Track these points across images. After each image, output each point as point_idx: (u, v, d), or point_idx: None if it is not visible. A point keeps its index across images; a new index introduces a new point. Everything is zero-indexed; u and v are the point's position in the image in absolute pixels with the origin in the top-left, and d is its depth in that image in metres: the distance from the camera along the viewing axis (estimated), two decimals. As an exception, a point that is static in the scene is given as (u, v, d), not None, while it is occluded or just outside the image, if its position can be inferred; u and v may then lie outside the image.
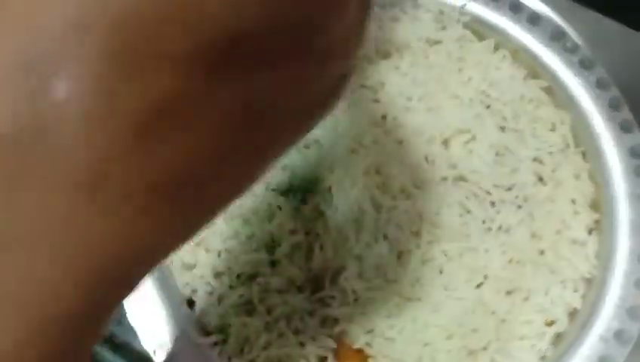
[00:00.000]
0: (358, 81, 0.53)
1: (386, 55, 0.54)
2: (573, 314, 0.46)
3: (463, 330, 0.45)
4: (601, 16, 0.57)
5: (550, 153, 0.51)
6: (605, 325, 0.44)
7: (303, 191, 0.50)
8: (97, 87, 0.16)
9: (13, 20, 0.16)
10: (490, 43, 0.55)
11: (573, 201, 0.50)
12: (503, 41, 0.55)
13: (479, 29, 0.55)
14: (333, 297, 0.47)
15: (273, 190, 0.50)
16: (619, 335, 0.44)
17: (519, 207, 0.49)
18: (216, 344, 0.46)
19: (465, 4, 0.55)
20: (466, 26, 0.55)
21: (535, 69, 0.54)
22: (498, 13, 0.54)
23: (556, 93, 0.53)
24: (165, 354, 0.45)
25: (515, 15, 0.54)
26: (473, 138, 0.51)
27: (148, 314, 0.45)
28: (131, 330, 0.55)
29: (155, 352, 0.44)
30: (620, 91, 0.52)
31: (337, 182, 0.50)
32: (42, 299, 0.17)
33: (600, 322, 0.44)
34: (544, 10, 0.54)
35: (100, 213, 0.17)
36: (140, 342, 0.53)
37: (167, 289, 0.47)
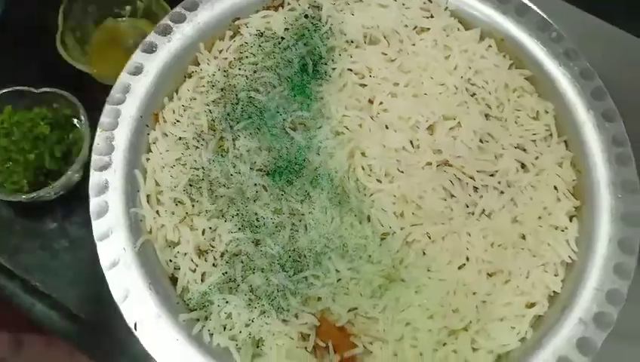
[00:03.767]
0: (345, 66, 0.53)
1: (374, 41, 0.55)
2: (553, 297, 0.47)
3: (445, 311, 0.46)
4: (582, 11, 0.58)
5: (533, 141, 0.52)
6: (584, 309, 0.45)
7: (289, 173, 0.50)
8: None
9: None
10: (476, 32, 0.55)
11: (555, 188, 0.50)
12: (489, 31, 0.55)
13: (466, 17, 0.56)
14: (316, 276, 0.47)
15: (259, 170, 0.50)
16: (598, 318, 0.44)
17: (502, 192, 0.50)
18: (198, 320, 0.46)
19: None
20: (453, 14, 0.56)
21: (520, 59, 0.55)
22: (485, 2, 0.55)
23: (540, 82, 0.54)
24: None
25: (502, 5, 0.55)
26: (458, 125, 0.52)
27: (130, 289, 0.45)
28: (108, 314, 0.55)
29: (135, 326, 0.44)
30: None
31: (323, 164, 0.50)
32: None
33: (579, 305, 0.45)
34: (529, 3, 0.55)
35: None
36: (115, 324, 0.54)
37: (149, 265, 0.47)
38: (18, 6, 0.70)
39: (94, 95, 0.56)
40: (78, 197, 0.59)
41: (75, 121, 0.61)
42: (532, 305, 0.46)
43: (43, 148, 0.59)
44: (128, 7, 0.67)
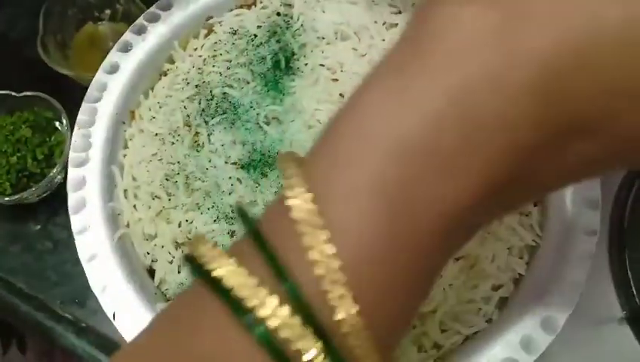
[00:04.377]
0: (317, 61, 0.55)
1: (345, 37, 0.57)
2: (518, 279, 0.48)
3: (414, 295, 0.47)
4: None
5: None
6: (548, 290, 0.46)
7: (263, 166, 0.51)
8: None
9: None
10: (443, 27, 0.57)
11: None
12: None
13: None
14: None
15: (234, 163, 0.51)
16: (560, 300, 0.45)
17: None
18: (175, 310, 0.47)
19: (420, -8, 0.57)
20: (420, 10, 0.57)
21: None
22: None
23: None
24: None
25: None
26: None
27: (109, 281, 0.46)
28: (94, 313, 0.56)
29: (114, 316, 0.45)
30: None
31: (296, 156, 0.51)
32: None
33: (542, 287, 0.46)
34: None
35: None
36: (104, 325, 0.55)
37: (127, 257, 0.48)
38: (-1, 11, 0.72)
39: (75, 98, 0.57)
40: (60, 199, 0.60)
41: (57, 123, 0.62)
42: (498, 288, 0.47)
43: (25, 151, 0.60)
44: (108, 11, 0.68)
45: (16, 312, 0.59)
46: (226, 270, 0.20)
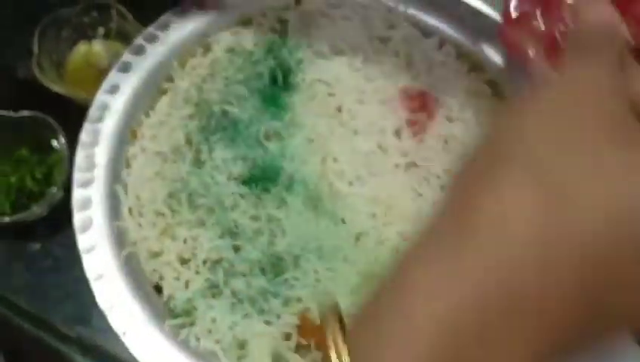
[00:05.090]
0: (314, 77, 0.56)
1: (340, 52, 0.58)
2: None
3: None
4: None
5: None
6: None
7: (265, 181, 0.52)
8: None
9: None
10: (435, 40, 0.58)
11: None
12: (447, 38, 0.59)
13: (425, 27, 0.59)
14: (296, 278, 0.49)
15: (236, 179, 0.52)
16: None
17: (467, 189, 0.53)
18: (184, 326, 0.48)
19: (407, 8, 0.59)
20: (412, 24, 0.59)
21: (479, 63, 0.58)
22: (441, 12, 0.58)
23: (499, 85, 0.57)
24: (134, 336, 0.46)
25: (457, 13, 0.58)
26: (422, 128, 0.55)
27: (117, 299, 0.47)
28: (100, 332, 0.57)
29: (124, 333, 0.46)
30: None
31: (297, 170, 0.52)
32: None
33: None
34: (482, 8, 0.58)
35: None
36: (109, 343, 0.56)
37: (134, 275, 0.49)
38: (-7, 31, 0.72)
39: (72, 116, 0.58)
40: (59, 217, 0.60)
41: (55, 142, 0.62)
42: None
43: (24, 170, 0.61)
44: (101, 30, 0.69)
45: (20, 332, 0.59)
46: None
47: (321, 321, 0.24)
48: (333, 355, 0.22)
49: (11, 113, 0.62)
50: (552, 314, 0.21)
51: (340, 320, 0.23)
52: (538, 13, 0.36)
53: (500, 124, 0.24)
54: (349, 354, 0.22)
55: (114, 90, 0.54)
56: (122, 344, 0.53)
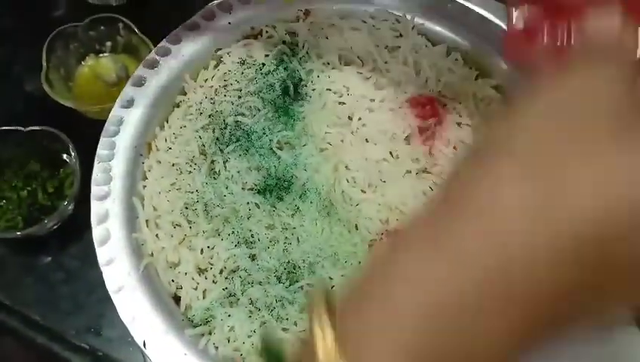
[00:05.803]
0: (324, 87, 0.57)
1: (350, 62, 0.59)
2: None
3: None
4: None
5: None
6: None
7: (279, 190, 0.53)
8: None
9: None
10: (443, 47, 0.59)
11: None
12: (455, 45, 0.60)
13: (432, 35, 0.60)
14: (311, 285, 0.50)
15: (250, 189, 0.53)
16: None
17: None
18: (203, 335, 0.48)
19: (414, 17, 0.60)
20: (420, 32, 0.60)
21: (486, 69, 0.59)
22: (448, 19, 0.59)
23: (506, 90, 0.58)
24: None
25: (464, 19, 0.59)
26: (432, 134, 0.56)
27: (137, 310, 0.48)
28: (111, 342, 0.57)
29: (144, 344, 0.46)
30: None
31: (310, 179, 0.53)
32: None
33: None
34: (488, 15, 0.60)
35: None
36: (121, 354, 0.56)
37: (153, 286, 0.49)
38: (1, 46, 0.72)
39: (81, 129, 0.59)
40: (70, 230, 0.61)
41: (65, 156, 0.63)
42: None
43: (35, 184, 0.61)
44: (109, 43, 0.70)
45: (32, 344, 0.60)
46: None
47: (308, 308, 0.24)
48: (319, 343, 0.22)
49: (21, 128, 0.62)
50: (537, 301, 0.21)
51: (329, 308, 0.23)
52: (546, 27, 0.37)
53: (500, 121, 0.25)
54: (337, 340, 0.22)
55: (129, 104, 0.55)
56: (133, 354, 0.54)
